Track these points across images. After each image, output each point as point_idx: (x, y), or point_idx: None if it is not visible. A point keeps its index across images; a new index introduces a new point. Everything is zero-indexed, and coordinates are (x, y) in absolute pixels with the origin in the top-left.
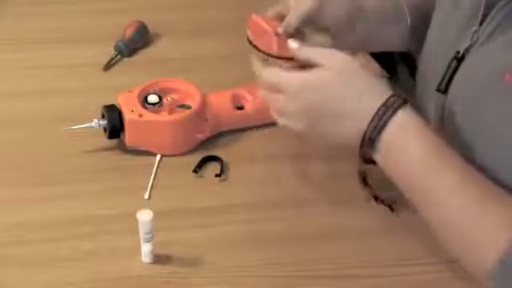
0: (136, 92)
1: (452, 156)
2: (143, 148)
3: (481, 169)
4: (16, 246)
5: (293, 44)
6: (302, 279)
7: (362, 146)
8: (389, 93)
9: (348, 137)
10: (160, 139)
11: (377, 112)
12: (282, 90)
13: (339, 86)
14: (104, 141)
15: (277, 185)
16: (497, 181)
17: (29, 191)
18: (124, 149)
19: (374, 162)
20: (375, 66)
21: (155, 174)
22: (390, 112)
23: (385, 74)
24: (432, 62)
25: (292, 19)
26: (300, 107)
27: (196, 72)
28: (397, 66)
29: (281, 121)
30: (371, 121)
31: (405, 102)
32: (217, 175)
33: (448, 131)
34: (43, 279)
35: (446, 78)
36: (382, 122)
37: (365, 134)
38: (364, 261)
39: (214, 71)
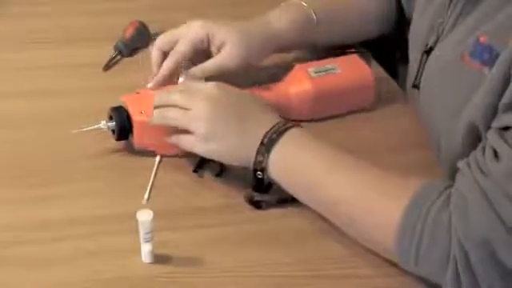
0: (144, 93)
1: (346, 154)
2: (151, 149)
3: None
4: (16, 246)
5: None
6: (302, 279)
7: (258, 151)
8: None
9: (248, 139)
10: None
11: (278, 123)
12: (194, 93)
13: (248, 95)
14: (104, 141)
15: (276, 184)
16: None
17: (29, 191)
18: (124, 149)
19: (262, 185)
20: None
21: (155, 174)
22: (289, 125)
23: (385, 74)
24: (411, 59)
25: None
26: (210, 101)
27: None
28: (397, 66)
29: (185, 115)
30: (272, 127)
31: (298, 125)
32: (217, 175)
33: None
34: (43, 279)
35: (419, 73)
36: (281, 129)
37: (265, 136)
38: (364, 261)
39: None
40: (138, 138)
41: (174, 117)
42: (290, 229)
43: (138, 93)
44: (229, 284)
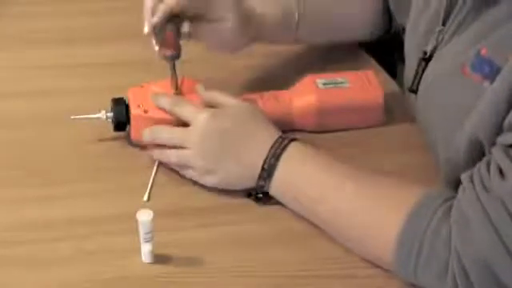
0: (147, 87)
1: (344, 166)
2: (147, 144)
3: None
4: (16, 246)
5: (200, 88)
6: (302, 279)
7: (259, 177)
8: (280, 132)
9: (248, 167)
10: None
11: (274, 143)
12: (187, 129)
13: (243, 116)
14: (104, 141)
15: None
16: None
17: (29, 191)
18: (124, 149)
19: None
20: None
21: (155, 173)
22: (286, 142)
23: (384, 74)
24: (408, 62)
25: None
26: (204, 137)
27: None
28: (397, 66)
29: (183, 155)
30: (270, 150)
31: (295, 139)
32: None
33: (420, 129)
34: (43, 279)
35: (417, 78)
36: (279, 151)
37: (264, 162)
38: (364, 261)
39: (213, 72)
40: (134, 131)
41: (174, 158)
42: (291, 229)
43: (142, 86)
44: (229, 284)
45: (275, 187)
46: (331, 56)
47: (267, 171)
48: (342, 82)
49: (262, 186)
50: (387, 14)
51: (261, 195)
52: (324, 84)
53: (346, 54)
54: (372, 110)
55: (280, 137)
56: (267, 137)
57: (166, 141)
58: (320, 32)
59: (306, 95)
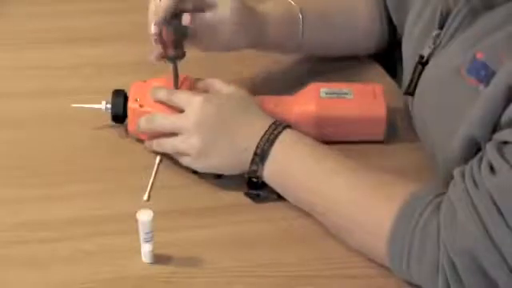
0: (149, 83)
1: (339, 157)
2: (143, 138)
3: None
4: (16, 245)
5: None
6: (302, 279)
7: (252, 161)
8: (273, 119)
9: (241, 152)
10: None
11: (267, 130)
12: (181, 115)
13: (236, 103)
14: (104, 142)
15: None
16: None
17: (29, 191)
18: (124, 149)
19: (256, 185)
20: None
21: (155, 174)
22: (279, 129)
23: (385, 75)
24: (405, 65)
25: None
26: (198, 119)
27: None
28: (397, 65)
29: (177, 141)
30: (263, 135)
31: (289, 126)
32: (217, 175)
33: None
34: (43, 279)
35: (414, 81)
36: (272, 137)
37: (257, 147)
38: (364, 261)
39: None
40: (130, 125)
41: (170, 145)
42: (290, 229)
43: (144, 81)
44: (229, 284)
45: (268, 173)
46: (338, 63)
47: (260, 156)
48: (345, 93)
49: (255, 171)
50: (390, 28)
51: (256, 180)
52: (327, 93)
53: (353, 60)
54: (372, 124)
55: (273, 123)
56: (261, 122)
57: (161, 127)
58: (322, 41)
59: (306, 103)
